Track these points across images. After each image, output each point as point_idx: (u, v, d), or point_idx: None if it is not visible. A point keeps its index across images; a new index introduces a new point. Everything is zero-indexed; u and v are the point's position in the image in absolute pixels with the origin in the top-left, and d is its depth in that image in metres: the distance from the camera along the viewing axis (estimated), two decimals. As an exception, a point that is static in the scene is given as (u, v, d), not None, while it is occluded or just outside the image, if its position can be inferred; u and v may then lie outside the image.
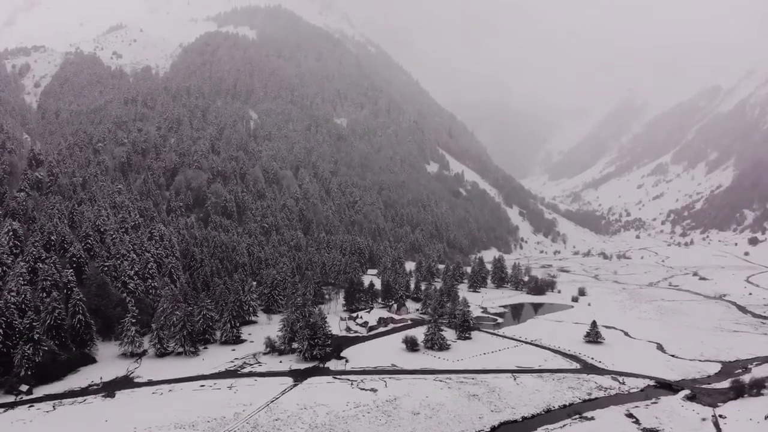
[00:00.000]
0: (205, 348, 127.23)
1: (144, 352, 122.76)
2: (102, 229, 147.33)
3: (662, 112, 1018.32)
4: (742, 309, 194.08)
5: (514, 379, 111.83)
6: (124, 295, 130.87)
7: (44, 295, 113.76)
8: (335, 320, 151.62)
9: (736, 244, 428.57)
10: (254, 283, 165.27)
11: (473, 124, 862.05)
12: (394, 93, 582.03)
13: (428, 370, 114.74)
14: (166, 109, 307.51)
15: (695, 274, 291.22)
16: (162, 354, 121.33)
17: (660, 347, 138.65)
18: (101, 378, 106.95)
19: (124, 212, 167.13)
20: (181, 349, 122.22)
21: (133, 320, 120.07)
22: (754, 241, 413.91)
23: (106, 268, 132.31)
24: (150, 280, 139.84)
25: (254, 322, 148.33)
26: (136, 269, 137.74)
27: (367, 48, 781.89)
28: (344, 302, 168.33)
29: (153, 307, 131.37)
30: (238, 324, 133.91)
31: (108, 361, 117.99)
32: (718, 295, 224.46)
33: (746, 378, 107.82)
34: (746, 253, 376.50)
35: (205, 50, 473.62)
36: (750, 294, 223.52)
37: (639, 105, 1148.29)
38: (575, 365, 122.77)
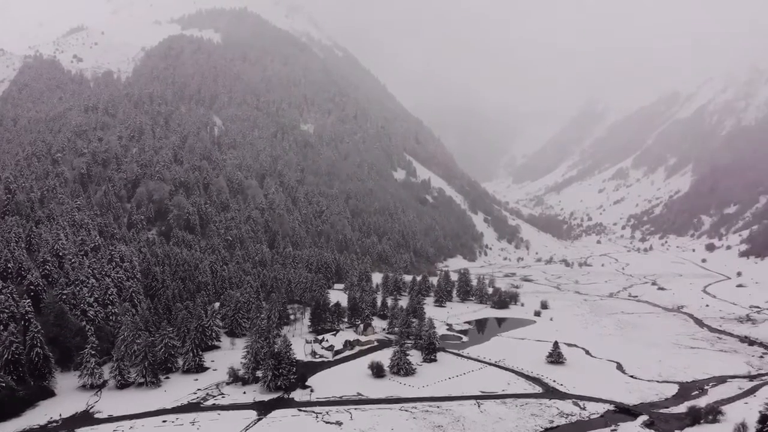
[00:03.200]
0: (167, 378, 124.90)
1: (104, 383, 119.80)
2: (60, 254, 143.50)
3: (623, 117, 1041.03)
4: (699, 322, 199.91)
5: (479, 406, 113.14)
6: (84, 323, 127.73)
7: (1, 328, 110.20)
8: (300, 343, 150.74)
9: (693, 250, 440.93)
10: (217, 304, 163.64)
11: (439, 128, 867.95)
12: (361, 98, 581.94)
13: (394, 399, 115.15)
14: (127, 117, 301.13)
15: (654, 284, 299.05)
16: (123, 385, 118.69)
17: (620, 367, 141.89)
18: (60, 414, 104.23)
19: (83, 233, 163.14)
20: (142, 380, 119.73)
21: (93, 351, 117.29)
22: (711, 248, 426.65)
23: (64, 296, 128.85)
24: (110, 306, 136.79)
25: (217, 347, 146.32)
26: (96, 296, 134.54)
27: (334, 52, 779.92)
28: (310, 323, 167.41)
29: (113, 335, 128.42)
30: (200, 352, 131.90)
31: (67, 393, 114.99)
32: (676, 306, 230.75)
33: (702, 402, 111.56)
34: (703, 260, 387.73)
35: (169, 54, 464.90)
36: (707, 306, 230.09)
37: (601, 110, 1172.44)
38: (538, 389, 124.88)
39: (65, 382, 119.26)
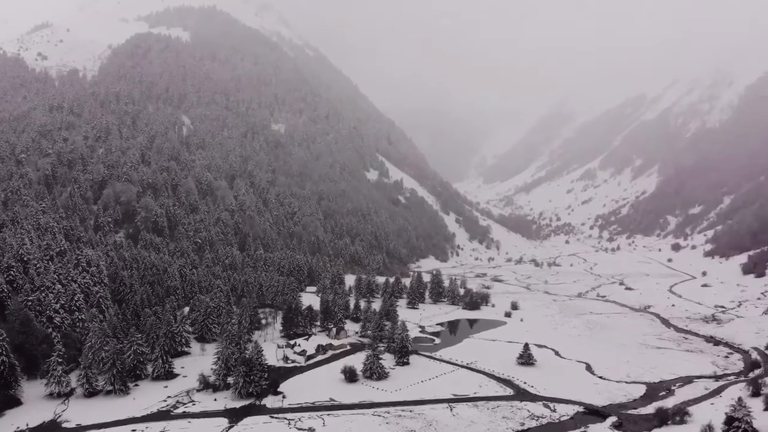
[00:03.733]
0: (136, 385, 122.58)
1: (72, 391, 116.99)
2: (25, 259, 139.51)
3: (591, 119, 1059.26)
4: (666, 322, 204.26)
5: (451, 409, 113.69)
6: (50, 330, 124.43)
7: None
8: (272, 348, 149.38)
9: (660, 250, 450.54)
10: (186, 309, 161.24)
11: (411, 129, 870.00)
12: (333, 98, 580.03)
13: (367, 404, 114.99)
14: (93, 117, 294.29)
15: (621, 284, 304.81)
16: (91, 393, 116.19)
17: (589, 368, 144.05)
18: (27, 424, 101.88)
19: (49, 236, 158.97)
20: (110, 388, 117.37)
21: (60, 359, 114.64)
22: (676, 247, 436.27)
23: (30, 303, 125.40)
24: (77, 313, 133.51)
25: (187, 353, 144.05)
26: (62, 302, 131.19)
27: (305, 51, 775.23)
28: (282, 327, 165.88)
29: (81, 342, 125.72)
30: (170, 359, 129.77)
31: (34, 402, 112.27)
32: (643, 306, 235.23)
33: (669, 403, 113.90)
34: (669, 260, 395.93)
35: (136, 52, 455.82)
36: (673, 306, 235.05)
37: (569, 111, 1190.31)
38: (509, 391, 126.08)
39: (32, 390, 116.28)
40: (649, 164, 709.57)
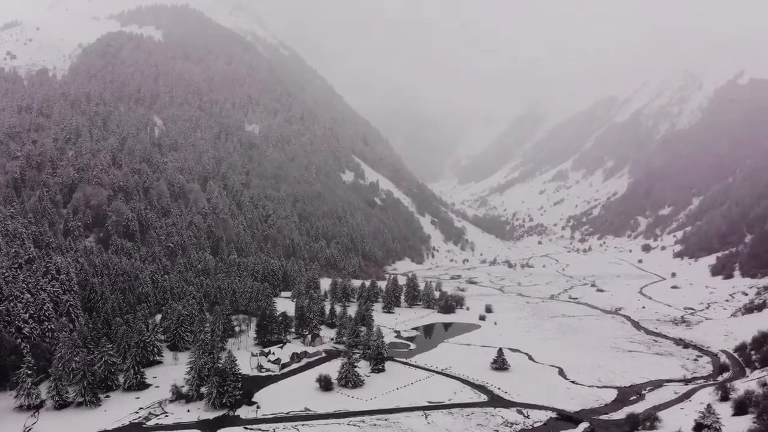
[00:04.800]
0: (108, 396, 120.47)
1: (42, 404, 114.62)
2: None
3: (563, 120, 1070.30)
4: (636, 325, 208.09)
5: (426, 417, 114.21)
6: (19, 341, 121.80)
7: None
8: (246, 356, 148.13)
9: (630, 251, 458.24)
10: (159, 316, 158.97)
11: (387, 130, 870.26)
12: (308, 99, 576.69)
13: (342, 413, 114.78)
14: (63, 118, 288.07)
15: (593, 285, 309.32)
16: (61, 405, 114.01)
17: (561, 372, 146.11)
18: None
19: (17, 243, 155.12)
20: (81, 399, 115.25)
21: (29, 371, 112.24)
22: (647, 248, 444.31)
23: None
24: (46, 323, 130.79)
25: (159, 363, 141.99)
26: (31, 312, 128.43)
27: (279, 51, 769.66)
28: (256, 335, 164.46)
29: (50, 352, 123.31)
30: (141, 369, 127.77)
31: (3, 415, 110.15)
32: (614, 308, 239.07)
33: (640, 408, 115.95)
34: (640, 261, 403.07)
35: (107, 51, 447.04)
36: (643, 308, 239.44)
37: (542, 113, 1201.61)
38: (483, 397, 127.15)
39: (1, 402, 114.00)
40: (620, 165, 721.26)
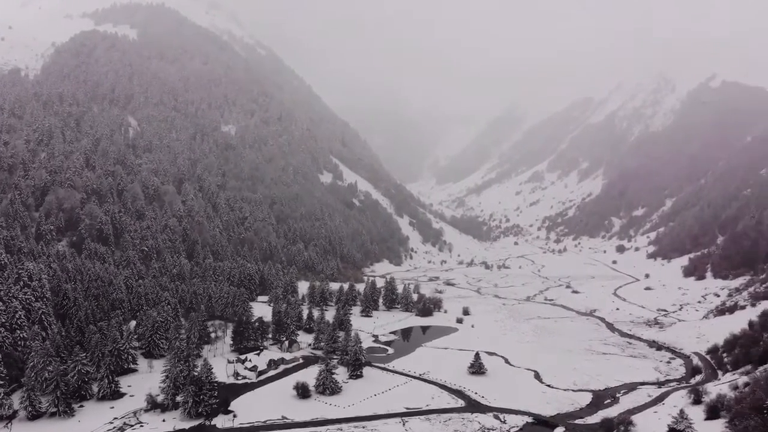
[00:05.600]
0: (81, 406, 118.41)
1: (14, 414, 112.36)
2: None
3: (539, 122, 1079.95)
4: (611, 327, 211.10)
5: (403, 424, 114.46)
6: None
7: None
8: (222, 363, 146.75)
9: (605, 252, 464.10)
10: (133, 323, 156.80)
11: (365, 130, 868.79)
12: (285, 99, 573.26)
13: (319, 421, 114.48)
14: (36, 119, 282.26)
15: (568, 286, 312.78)
16: (34, 416, 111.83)
17: (537, 375, 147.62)
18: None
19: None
20: (54, 410, 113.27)
21: (1, 381, 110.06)
22: (621, 249, 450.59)
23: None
24: (18, 331, 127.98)
25: (134, 371, 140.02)
26: (2, 320, 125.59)
27: (256, 50, 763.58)
28: (232, 341, 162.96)
29: (23, 361, 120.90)
30: (116, 377, 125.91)
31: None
32: (589, 310, 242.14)
33: (615, 412, 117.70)
34: (614, 261, 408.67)
35: (81, 51, 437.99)
36: (617, 309, 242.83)
37: (519, 114, 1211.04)
38: (460, 402, 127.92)
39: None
40: (595, 167, 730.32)
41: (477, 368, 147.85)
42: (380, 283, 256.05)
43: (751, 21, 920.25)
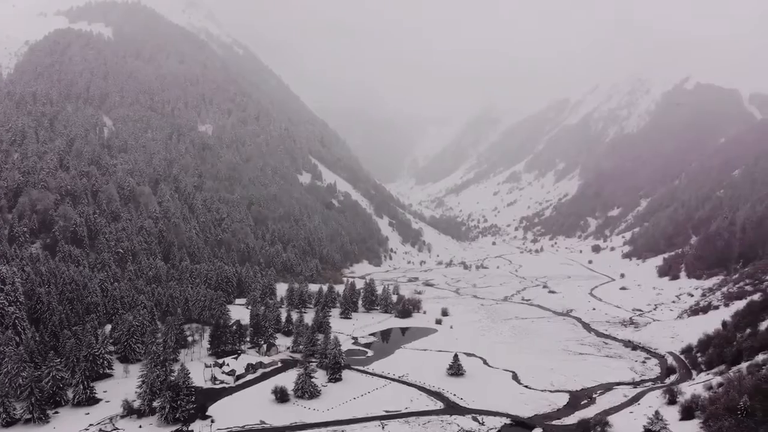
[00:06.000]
0: (56, 412, 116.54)
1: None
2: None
3: (516, 123, 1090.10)
4: (587, 327, 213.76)
5: (383, 428, 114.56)
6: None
7: None
8: (199, 368, 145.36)
9: (581, 251, 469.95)
10: (108, 327, 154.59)
11: (344, 130, 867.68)
12: (263, 98, 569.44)
13: (298, 426, 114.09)
14: (8, 119, 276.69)
15: (545, 286, 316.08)
16: (8, 423, 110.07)
17: (515, 376, 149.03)
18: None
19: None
20: (29, 416, 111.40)
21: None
22: (597, 249, 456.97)
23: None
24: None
25: (110, 376, 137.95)
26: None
27: (234, 49, 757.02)
28: (209, 345, 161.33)
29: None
30: (91, 383, 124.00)
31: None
32: (565, 310, 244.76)
33: (591, 412, 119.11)
34: (590, 261, 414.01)
35: (55, 49, 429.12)
36: (593, 309, 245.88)
37: (496, 115, 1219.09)
38: (439, 404, 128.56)
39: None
40: (571, 168, 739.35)
41: (456, 370, 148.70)
42: (360, 284, 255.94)
43: (727, 24, 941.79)
